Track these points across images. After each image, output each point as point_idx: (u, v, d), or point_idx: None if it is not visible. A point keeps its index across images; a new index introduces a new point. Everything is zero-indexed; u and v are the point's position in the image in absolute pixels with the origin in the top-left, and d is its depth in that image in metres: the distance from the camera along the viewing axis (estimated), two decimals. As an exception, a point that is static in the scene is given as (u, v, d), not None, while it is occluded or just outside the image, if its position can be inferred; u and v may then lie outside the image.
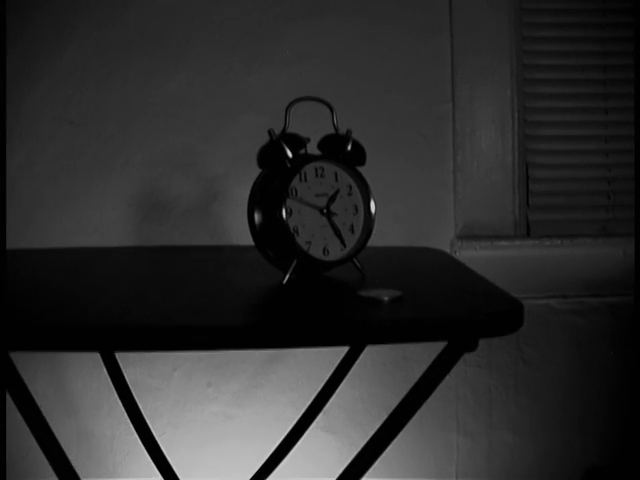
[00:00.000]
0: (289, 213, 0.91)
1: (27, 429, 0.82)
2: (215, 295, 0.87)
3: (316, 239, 0.93)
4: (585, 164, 1.53)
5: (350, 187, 0.96)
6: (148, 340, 0.68)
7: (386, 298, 0.81)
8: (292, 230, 0.91)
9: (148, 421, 1.30)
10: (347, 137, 0.96)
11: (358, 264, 0.97)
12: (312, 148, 0.95)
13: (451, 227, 1.49)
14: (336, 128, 0.97)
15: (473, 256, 1.46)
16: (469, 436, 1.54)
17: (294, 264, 0.91)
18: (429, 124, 1.48)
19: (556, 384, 1.55)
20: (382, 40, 1.47)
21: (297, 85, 1.44)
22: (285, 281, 0.91)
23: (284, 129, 0.95)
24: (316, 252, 0.93)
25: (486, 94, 1.47)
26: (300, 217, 0.92)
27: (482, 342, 0.76)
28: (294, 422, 1.29)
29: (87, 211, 1.46)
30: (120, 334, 0.69)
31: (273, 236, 0.93)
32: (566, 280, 1.48)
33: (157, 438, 1.30)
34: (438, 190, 1.49)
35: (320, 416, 1.28)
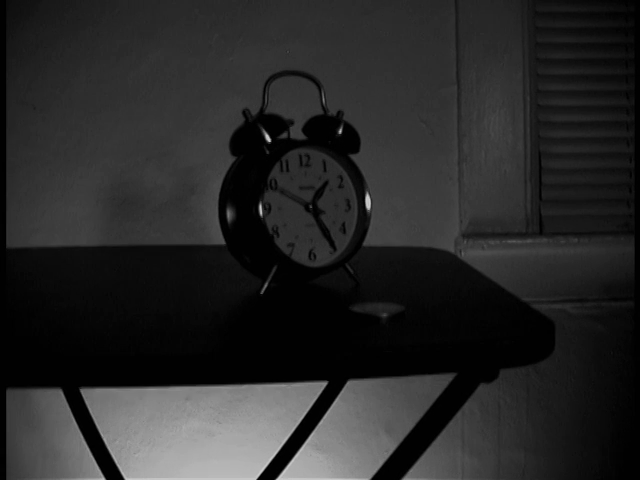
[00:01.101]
0: (267, 209, 0.78)
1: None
2: (179, 311, 0.73)
3: (300, 241, 0.80)
4: (604, 153, 1.44)
5: (341, 178, 0.83)
6: (72, 375, 0.53)
7: (385, 315, 0.67)
8: (271, 230, 0.78)
9: (120, 440, 1.18)
10: (338, 119, 0.83)
11: (351, 270, 0.83)
12: (296, 132, 0.84)
13: (456, 224, 1.40)
14: (325, 109, 0.84)
15: (480, 256, 1.37)
16: (475, 455, 1.44)
17: (273, 271, 0.78)
18: (431, 109, 1.39)
19: (572, 397, 1.45)
20: (379, 16, 1.38)
21: (284, 65, 1.29)
22: (263, 291, 0.77)
23: (262, 109, 0.81)
24: (300, 256, 0.80)
25: (495, 76, 1.38)
26: (281, 214, 0.79)
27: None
28: (281, 439, 1.19)
29: (51, 207, 1.37)
30: (44, 367, 0.54)
31: (248, 237, 0.79)
32: (583, 282, 1.40)
33: (131, 457, 1.17)
34: (441, 182, 1.40)
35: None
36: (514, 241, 1.38)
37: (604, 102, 1.43)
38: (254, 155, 0.80)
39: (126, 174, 1.38)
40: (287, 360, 0.56)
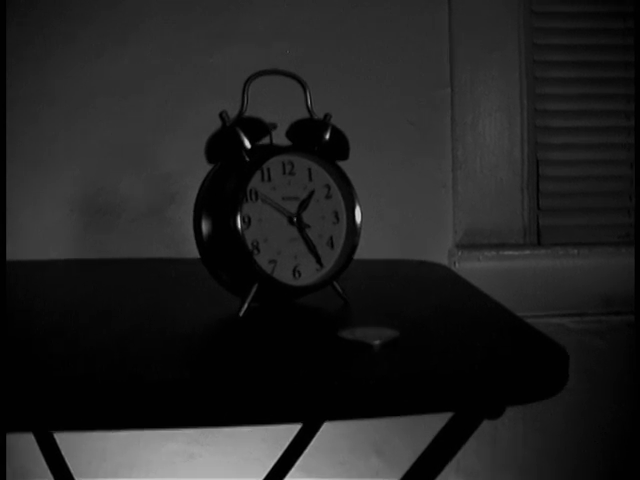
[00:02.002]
0: (246, 222, 0.71)
1: None
2: (146, 334, 0.65)
3: (283, 257, 0.73)
4: (604, 160, 1.39)
5: (328, 188, 0.76)
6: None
7: (377, 342, 0.60)
8: (250, 245, 0.70)
9: (94, 463, 1.17)
10: (325, 123, 0.76)
11: (339, 288, 0.75)
12: (279, 137, 0.77)
13: (449, 234, 1.35)
14: (311, 112, 0.77)
15: (475, 268, 1.33)
16: (470, 477, 1.39)
17: (253, 291, 0.70)
18: (423, 113, 1.34)
19: (571, 416, 1.39)
20: (368, 14, 1.33)
21: (267, 66, 1.24)
22: (241, 313, 0.70)
23: (241, 112, 0.73)
24: (283, 274, 0.72)
25: (490, 78, 1.33)
26: (262, 228, 0.72)
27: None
28: (266, 462, 1.14)
29: (18, 216, 1.30)
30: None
31: (226, 253, 0.72)
32: (583, 295, 1.36)
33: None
34: (434, 190, 1.35)
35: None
36: (511, 252, 1.34)
37: (604, 106, 1.38)
38: (232, 162, 0.73)
39: (100, 181, 1.32)
40: (258, 400, 0.48)
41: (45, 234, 1.31)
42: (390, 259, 1.17)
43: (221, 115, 0.73)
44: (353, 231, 0.75)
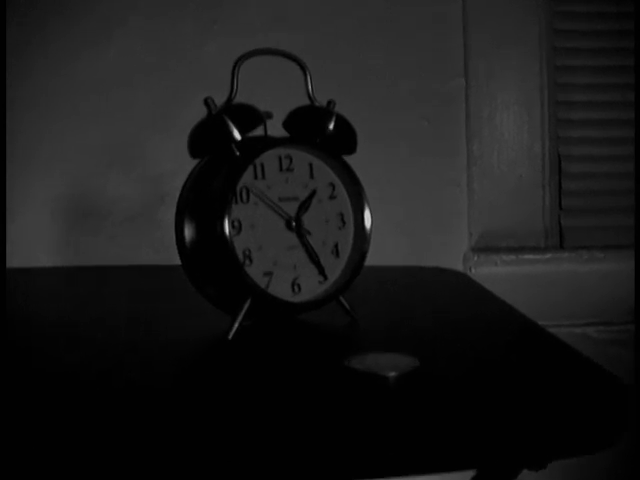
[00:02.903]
0: (236, 227, 0.61)
1: None
2: (120, 359, 0.56)
3: (280, 268, 0.63)
4: (632, 156, 1.30)
5: (333, 187, 0.67)
6: None
7: (392, 374, 0.50)
8: (241, 255, 0.60)
9: None
10: (329, 111, 0.66)
11: (346, 304, 0.65)
12: (275, 127, 0.68)
13: (464, 237, 1.27)
14: (312, 98, 0.66)
15: (492, 273, 1.25)
16: None
17: (245, 309, 0.60)
18: (435, 105, 1.27)
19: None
20: None
21: (270, 64, 1.20)
22: (231, 335, 0.59)
23: (230, 98, 0.63)
24: (280, 289, 0.63)
25: (508, 67, 1.27)
26: (255, 234, 0.62)
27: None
28: None
29: None
30: None
31: (212, 263, 0.61)
32: (609, 303, 1.28)
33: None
34: (447, 189, 1.27)
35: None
36: (531, 256, 1.27)
37: (632, 97, 1.29)
38: (219, 157, 0.63)
39: (86, 182, 1.25)
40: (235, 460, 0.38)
41: (25, 239, 1.23)
42: (401, 266, 1.07)
43: (206, 101, 0.63)
44: (362, 237, 0.65)
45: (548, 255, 1.27)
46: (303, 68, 0.67)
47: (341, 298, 0.65)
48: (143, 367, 0.54)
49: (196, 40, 1.24)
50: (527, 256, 1.26)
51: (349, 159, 0.69)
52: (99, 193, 1.24)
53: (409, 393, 0.48)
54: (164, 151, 1.23)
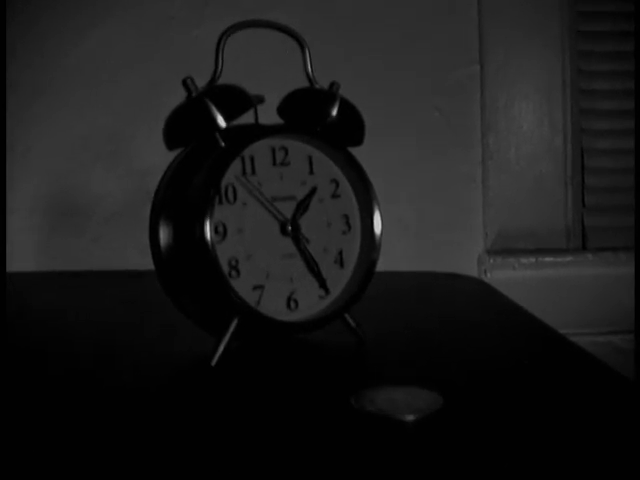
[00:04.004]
0: (220, 233, 0.52)
1: None
2: (85, 386, 0.46)
3: (273, 281, 0.53)
4: None
5: (336, 184, 0.57)
6: None
7: (411, 418, 0.40)
8: (227, 265, 0.51)
9: None
10: (331, 94, 0.56)
11: (352, 322, 0.55)
12: (269, 114, 0.58)
13: (479, 238, 1.21)
14: (311, 79, 0.57)
15: (510, 278, 1.18)
16: None
17: (231, 329, 0.50)
18: (448, 95, 1.20)
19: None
20: None
21: (262, 40, 1.14)
22: (214, 362, 0.50)
23: (214, 78, 0.54)
24: (273, 305, 0.53)
25: (527, 53, 1.20)
26: (243, 240, 0.53)
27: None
28: None
29: None
30: None
31: (192, 275, 0.51)
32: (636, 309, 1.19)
33: None
34: (461, 186, 1.21)
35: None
36: (551, 259, 1.20)
37: None
38: (201, 148, 0.53)
39: (67, 178, 1.19)
40: None
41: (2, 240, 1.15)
42: (411, 271, 0.99)
43: (185, 82, 0.53)
44: (370, 243, 0.55)
45: (570, 257, 1.21)
46: (301, 44, 0.57)
47: (347, 316, 0.55)
48: (108, 394, 0.45)
49: (186, 23, 1.17)
50: (547, 258, 1.20)
51: (355, 151, 0.59)
52: (81, 190, 1.18)
53: (432, 441, 0.38)
54: (150, 144, 1.14)
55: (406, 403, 0.42)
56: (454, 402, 0.43)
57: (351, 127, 0.58)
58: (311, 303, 0.54)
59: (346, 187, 0.57)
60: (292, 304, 0.53)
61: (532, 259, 1.19)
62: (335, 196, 0.56)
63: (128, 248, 1.15)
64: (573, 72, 1.21)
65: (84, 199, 1.18)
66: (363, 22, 1.19)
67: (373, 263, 0.55)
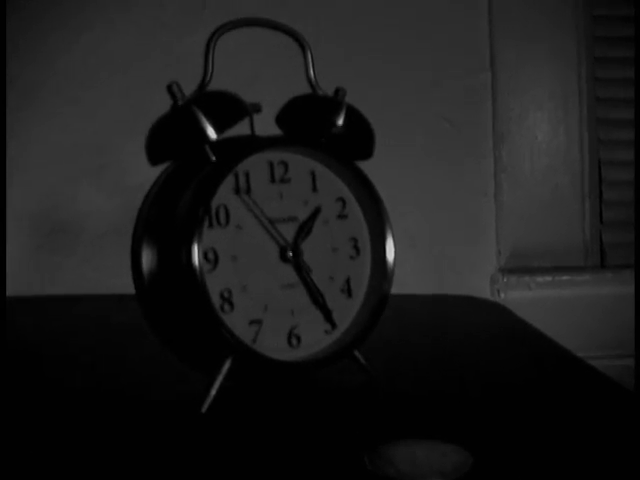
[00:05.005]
0: (211, 260, 0.46)
1: None
2: (57, 438, 0.41)
3: (272, 314, 0.48)
4: None
5: (343, 203, 0.51)
6: None
7: None
8: (219, 297, 0.45)
9: None
10: (337, 101, 0.51)
11: (361, 358, 0.49)
12: (266, 124, 0.54)
13: (492, 255, 1.17)
14: (313, 85, 0.51)
15: (525, 298, 1.14)
16: None
17: (224, 371, 0.44)
18: (458, 104, 1.17)
19: None
20: None
21: (260, 47, 1.11)
22: (204, 408, 0.44)
23: (203, 83, 0.48)
24: (273, 343, 0.48)
25: (540, 59, 1.17)
26: (237, 269, 0.47)
27: None
28: None
29: None
30: None
31: (177, 307, 0.45)
32: None
33: None
34: (472, 200, 1.18)
35: None
36: (568, 277, 1.17)
37: None
38: (189, 163, 0.47)
39: (55, 195, 1.16)
40: None
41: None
42: (423, 294, 0.94)
43: (170, 88, 0.47)
44: (382, 270, 0.49)
45: (587, 276, 1.17)
46: (302, 46, 0.52)
47: (356, 353, 0.49)
48: (85, 448, 0.38)
49: (179, 29, 1.14)
50: (564, 277, 1.17)
51: (363, 165, 0.54)
52: (69, 207, 1.16)
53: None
54: (142, 158, 1.11)
55: (429, 464, 0.36)
56: (485, 459, 0.36)
57: (359, 138, 0.52)
58: (315, 339, 0.48)
59: (354, 206, 0.51)
60: (294, 340, 0.47)
61: (548, 278, 1.16)
62: (341, 217, 0.50)
63: (119, 267, 1.08)
64: (589, 79, 1.19)
65: (72, 216, 1.15)
66: (369, 27, 1.16)
67: (385, 294, 0.49)
